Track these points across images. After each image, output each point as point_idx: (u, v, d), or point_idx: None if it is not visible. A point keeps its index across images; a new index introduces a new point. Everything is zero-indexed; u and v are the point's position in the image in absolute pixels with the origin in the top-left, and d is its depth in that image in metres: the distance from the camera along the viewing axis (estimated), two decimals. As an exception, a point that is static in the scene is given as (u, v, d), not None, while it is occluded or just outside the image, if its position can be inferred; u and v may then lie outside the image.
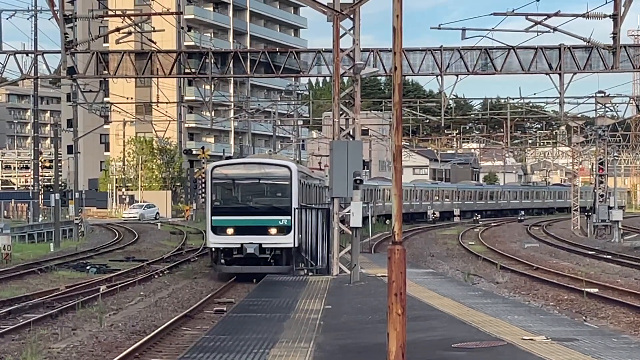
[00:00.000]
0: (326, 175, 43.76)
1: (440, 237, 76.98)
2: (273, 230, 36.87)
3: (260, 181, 38.92)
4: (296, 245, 36.82)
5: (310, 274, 33.52)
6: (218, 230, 37.51)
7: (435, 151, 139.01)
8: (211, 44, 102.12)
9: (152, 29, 52.46)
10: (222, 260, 37.58)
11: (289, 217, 36.94)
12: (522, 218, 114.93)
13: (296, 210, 37.23)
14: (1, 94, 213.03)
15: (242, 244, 36.62)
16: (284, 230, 36.90)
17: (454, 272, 42.83)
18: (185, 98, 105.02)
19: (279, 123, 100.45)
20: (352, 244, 28.54)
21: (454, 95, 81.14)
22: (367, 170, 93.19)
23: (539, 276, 41.01)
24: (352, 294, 23.94)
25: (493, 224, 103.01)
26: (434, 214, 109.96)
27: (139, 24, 48.56)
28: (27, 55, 47.48)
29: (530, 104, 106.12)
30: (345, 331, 17.18)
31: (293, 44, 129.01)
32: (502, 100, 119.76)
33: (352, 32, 32.09)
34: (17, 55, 46.18)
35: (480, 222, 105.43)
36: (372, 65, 40.46)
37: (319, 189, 52.05)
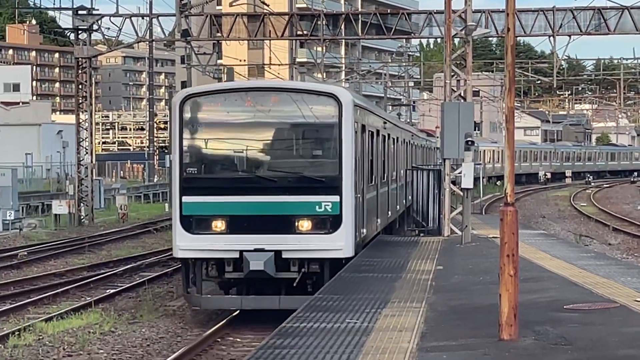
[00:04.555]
0: (437, 136, 43.26)
1: (552, 199, 76.31)
2: (304, 224, 20.25)
3: (278, 127, 21.12)
4: (353, 253, 20.65)
5: (421, 234, 31.92)
6: (194, 224, 20.36)
7: (546, 112, 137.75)
8: (323, 6, 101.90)
9: (265, -9, 52.63)
10: (203, 285, 20.77)
11: (335, 199, 20.24)
12: (635, 180, 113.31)
13: (352, 185, 20.57)
14: (117, 56, 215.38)
15: (241, 252, 19.91)
16: (325, 223, 20.29)
17: (565, 233, 42.49)
18: (297, 60, 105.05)
19: (390, 85, 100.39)
20: (463, 205, 28.38)
21: (566, 56, 79.82)
22: (478, 132, 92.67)
23: (652, 238, 40.44)
24: (463, 255, 23.85)
25: (605, 185, 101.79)
26: (545, 175, 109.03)
27: (252, -13, 48.72)
28: (143, 18, 48.15)
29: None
30: (457, 292, 17.16)
31: (404, 5, 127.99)
32: (616, 61, 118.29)
33: (464, -8, 31.78)
34: (132, 18, 46.86)
35: (593, 184, 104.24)
36: (484, 26, 40.21)
37: (417, 148, 42.30)
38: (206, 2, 45.37)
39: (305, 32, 46.45)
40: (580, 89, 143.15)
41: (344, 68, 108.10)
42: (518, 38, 51.89)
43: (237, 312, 21.31)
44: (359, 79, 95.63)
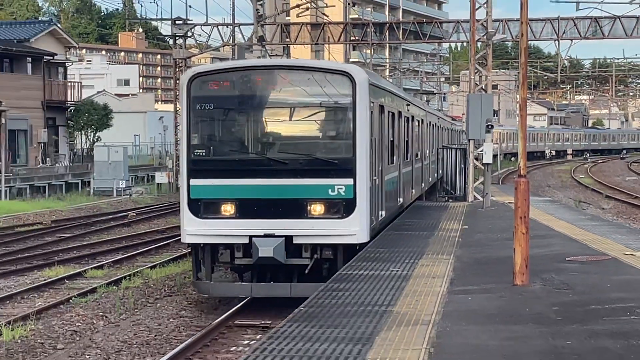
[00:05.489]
0: (463, 122, 43.03)
1: (556, 172, 75.69)
2: (316, 208, 15.91)
3: (290, 107, 16.61)
4: (367, 239, 16.33)
5: (450, 200, 31.75)
6: (202, 208, 16.07)
7: (552, 102, 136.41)
8: (371, 17, 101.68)
9: (325, 5, 52.61)
10: (212, 270, 16.54)
11: (349, 181, 15.90)
12: (624, 156, 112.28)
13: (367, 167, 16.19)
14: (207, 57, 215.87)
15: (250, 237, 15.76)
16: (339, 207, 15.95)
17: (567, 199, 42.13)
18: (350, 61, 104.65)
19: (425, 80, 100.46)
20: (484, 176, 28.27)
21: (568, 56, 79.75)
22: (496, 118, 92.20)
23: (638, 203, 40.07)
24: (484, 217, 23.76)
25: (600, 161, 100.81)
26: (550, 152, 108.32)
27: (314, 1, 48.66)
28: (227, 27, 48.22)
29: (632, 63, 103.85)
30: (479, 246, 17.10)
31: (437, 16, 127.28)
32: (609, 60, 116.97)
33: (485, 5, 31.57)
34: (219, 27, 46.93)
35: (589, 160, 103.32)
36: (501, 32, 39.95)
37: (443, 130, 39.17)
38: (277, 13, 45.31)
39: (357, 38, 46.41)
40: (579, 83, 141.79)
41: (388, 67, 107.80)
42: (529, 42, 51.61)
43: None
44: (401, 76, 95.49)
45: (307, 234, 15.62)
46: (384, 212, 18.39)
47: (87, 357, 13.70)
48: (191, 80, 16.17)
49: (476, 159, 30.16)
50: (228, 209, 15.87)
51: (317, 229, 15.62)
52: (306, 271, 15.68)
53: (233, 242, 15.83)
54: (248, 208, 15.81)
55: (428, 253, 15.90)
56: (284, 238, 15.48)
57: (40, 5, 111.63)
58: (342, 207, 15.76)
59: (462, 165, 31.85)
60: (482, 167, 28.62)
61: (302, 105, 16.33)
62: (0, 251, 25.59)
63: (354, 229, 15.71)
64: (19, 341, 14.57)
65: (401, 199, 22.62)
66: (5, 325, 15.22)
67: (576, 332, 9.50)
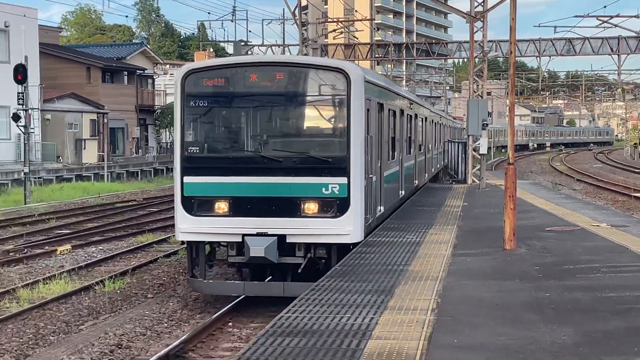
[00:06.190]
0: (463, 121, 42.64)
1: (537, 161, 75.02)
2: (310, 207, 12.46)
3: (284, 104, 12.94)
4: (361, 238, 12.81)
5: (453, 183, 31.19)
6: (196, 205, 12.71)
7: (534, 105, 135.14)
8: (391, 39, 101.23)
9: (355, 29, 52.41)
10: (207, 268, 13.37)
11: (343, 180, 12.45)
12: (591, 148, 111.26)
13: (361, 166, 12.74)
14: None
15: (243, 236, 12.52)
16: (332, 206, 12.47)
17: (546, 182, 41.71)
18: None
19: (434, 88, 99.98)
20: (480, 164, 28.04)
21: (547, 69, 79.21)
22: (490, 118, 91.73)
23: (602, 185, 39.67)
24: (480, 196, 23.60)
25: (572, 152, 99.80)
26: (533, 145, 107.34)
27: (347, 27, 48.48)
28: (279, 47, 48.08)
29: (598, 75, 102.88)
30: (476, 219, 16.99)
31: (443, 38, 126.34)
32: (579, 73, 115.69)
33: (481, 29, 31.24)
34: (272, 47, 46.86)
35: (564, 151, 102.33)
36: (494, 50, 39.58)
37: (446, 127, 36.26)
38: (318, 36, 45.14)
39: (380, 56, 46.25)
40: (556, 90, 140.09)
41: (405, 78, 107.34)
42: (516, 58, 51.22)
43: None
44: (414, 85, 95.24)
45: (300, 233, 12.32)
46: (382, 207, 15.15)
47: (171, 304, 13.79)
48: (185, 76, 12.77)
49: (474, 150, 29.93)
50: (221, 206, 12.53)
51: (310, 228, 12.31)
52: (299, 270, 12.46)
53: (225, 241, 12.68)
54: (241, 206, 12.47)
55: (436, 224, 15.82)
56: (276, 237, 12.28)
57: (133, 30, 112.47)
58: (336, 206, 12.35)
59: (463, 155, 31.62)
60: (479, 157, 28.40)
61: (297, 103, 12.82)
62: (104, 222, 25.82)
63: (347, 228, 12.34)
64: (119, 291, 14.71)
65: (416, 181, 21.99)
66: (108, 279, 15.38)
67: (553, 287, 9.42)
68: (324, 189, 12.36)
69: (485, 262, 11.24)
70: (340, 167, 12.38)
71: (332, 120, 12.81)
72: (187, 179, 12.68)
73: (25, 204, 30.85)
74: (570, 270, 10.51)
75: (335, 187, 12.35)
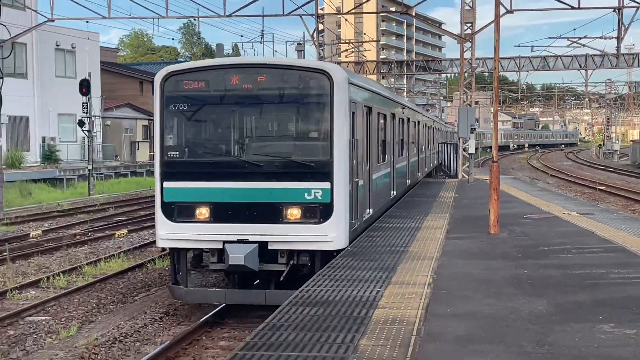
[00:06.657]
0: (455, 126, 42.37)
1: (517, 159, 74.62)
2: (293, 212, 10.06)
3: (265, 107, 10.38)
4: (345, 245, 10.36)
5: (446, 178, 31.10)
6: (176, 211, 10.33)
7: (514, 112, 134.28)
8: (394, 57, 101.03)
9: (364, 49, 52.38)
10: (188, 274, 10.70)
11: (326, 185, 10.05)
12: (562, 149, 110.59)
13: (345, 170, 10.29)
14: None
15: (224, 243, 10.10)
16: (315, 212, 10.06)
17: (524, 177, 41.51)
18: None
19: (430, 98, 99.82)
20: (469, 162, 27.95)
21: (525, 82, 79.18)
22: (477, 123, 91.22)
23: (572, 180, 39.45)
24: (469, 189, 23.54)
25: (546, 152, 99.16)
26: (513, 146, 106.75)
27: (357, 47, 48.43)
28: (300, 64, 48.12)
29: (568, 87, 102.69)
30: (466, 208, 16.96)
31: (438, 56, 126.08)
32: (553, 85, 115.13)
33: (470, 49, 31.13)
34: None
35: (540, 151, 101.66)
36: (481, 66, 39.50)
37: (438, 131, 33.94)
38: (332, 55, 45.13)
39: (384, 71, 46.27)
40: (533, 100, 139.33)
41: (405, 90, 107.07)
42: (499, 73, 51.17)
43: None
44: (413, 95, 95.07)
45: (282, 239, 10.15)
46: (371, 210, 12.83)
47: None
48: (165, 79, 10.56)
49: (464, 150, 29.83)
50: (202, 212, 10.32)
51: (292, 234, 10.12)
52: (281, 278, 10.39)
53: (205, 248, 10.50)
54: (222, 212, 10.27)
55: (432, 212, 15.81)
56: (257, 244, 10.10)
57: (178, 51, 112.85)
58: (319, 211, 10.13)
59: (455, 155, 31.53)
60: (468, 156, 28.30)
61: (278, 105, 10.52)
62: (147, 212, 25.92)
63: (331, 234, 10.13)
64: (166, 268, 14.82)
65: (409, 180, 20.12)
66: (158, 258, 15.51)
67: (530, 265, 9.42)
68: (306, 194, 10.14)
69: (473, 244, 11.24)
70: (323, 172, 10.16)
71: (315, 123, 10.45)
72: (167, 184, 10.48)
73: (89, 195, 31.19)
74: (545, 251, 10.49)
75: (318, 192, 10.14)
